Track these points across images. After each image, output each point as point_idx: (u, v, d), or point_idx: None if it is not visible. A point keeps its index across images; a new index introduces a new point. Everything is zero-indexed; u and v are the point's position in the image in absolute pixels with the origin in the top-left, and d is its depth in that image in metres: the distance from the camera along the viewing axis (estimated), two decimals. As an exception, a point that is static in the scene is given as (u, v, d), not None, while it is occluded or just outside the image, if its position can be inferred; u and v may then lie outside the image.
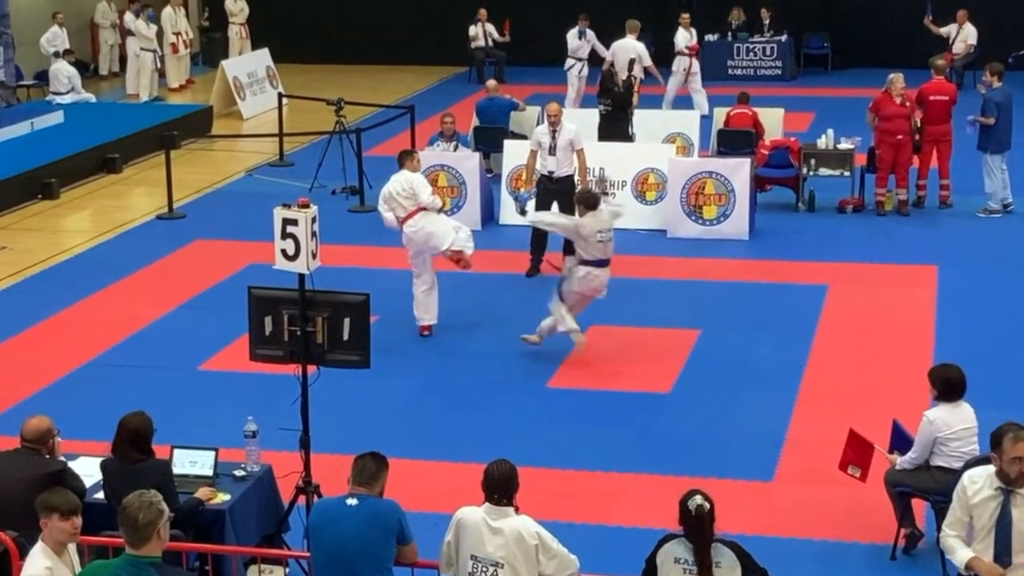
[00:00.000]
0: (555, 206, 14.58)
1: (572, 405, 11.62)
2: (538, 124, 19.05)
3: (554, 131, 14.66)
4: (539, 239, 14.83)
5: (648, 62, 21.22)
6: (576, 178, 14.73)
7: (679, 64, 22.60)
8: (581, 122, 16.41)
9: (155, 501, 6.21)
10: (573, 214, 14.78)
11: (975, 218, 16.92)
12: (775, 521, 9.54)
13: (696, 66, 22.69)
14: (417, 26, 28.97)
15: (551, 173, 14.69)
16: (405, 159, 13.20)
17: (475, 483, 7.12)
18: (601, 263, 12.30)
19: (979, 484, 7.14)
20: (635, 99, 18.83)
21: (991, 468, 7.12)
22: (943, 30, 25.20)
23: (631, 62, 20.19)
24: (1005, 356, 12.40)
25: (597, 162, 16.46)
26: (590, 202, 12.42)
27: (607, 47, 21.83)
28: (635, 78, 19.63)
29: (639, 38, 21.34)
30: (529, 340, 12.60)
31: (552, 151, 14.64)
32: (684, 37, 22.61)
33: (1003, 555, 7.07)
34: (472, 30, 26.85)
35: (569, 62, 22.75)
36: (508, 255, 15.52)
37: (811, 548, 9.22)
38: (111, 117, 22.26)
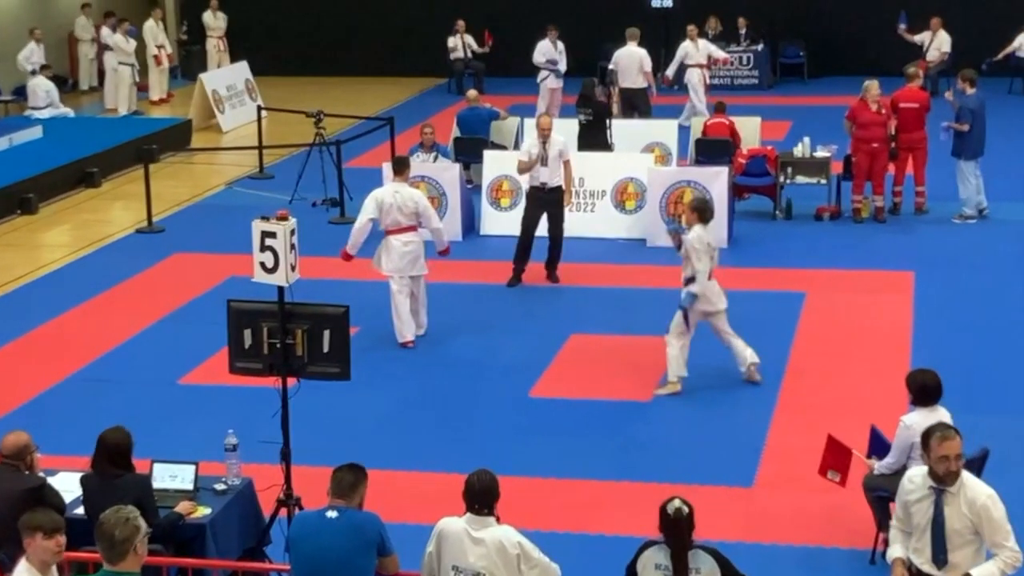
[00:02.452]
0: (545, 216, 14.65)
1: (553, 414, 11.61)
2: (518, 134, 19.11)
3: (544, 143, 14.68)
4: (525, 249, 14.83)
5: (649, 68, 21.27)
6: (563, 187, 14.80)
7: (690, 76, 22.44)
8: (560, 132, 16.42)
9: (131, 517, 6.18)
10: (562, 222, 14.82)
11: (951, 224, 16.97)
12: (755, 527, 9.54)
13: (701, 77, 22.49)
14: (396, 38, 28.97)
15: (544, 184, 14.70)
16: (404, 169, 13.21)
17: (456, 493, 7.11)
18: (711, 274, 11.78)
19: (915, 484, 7.23)
20: (614, 109, 18.85)
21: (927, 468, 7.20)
22: (917, 38, 25.29)
23: (612, 71, 20.29)
24: (981, 361, 12.43)
25: (577, 172, 16.44)
26: (709, 216, 11.80)
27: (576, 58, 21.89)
28: (614, 88, 19.66)
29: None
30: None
31: (544, 162, 14.66)
32: (693, 49, 22.48)
33: (939, 554, 7.14)
34: (451, 41, 26.86)
35: (543, 73, 22.82)
36: (489, 265, 15.51)
37: (791, 554, 9.22)
38: (90, 131, 22.20)
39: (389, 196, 12.98)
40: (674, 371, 11.83)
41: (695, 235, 11.66)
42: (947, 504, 7.08)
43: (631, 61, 21.11)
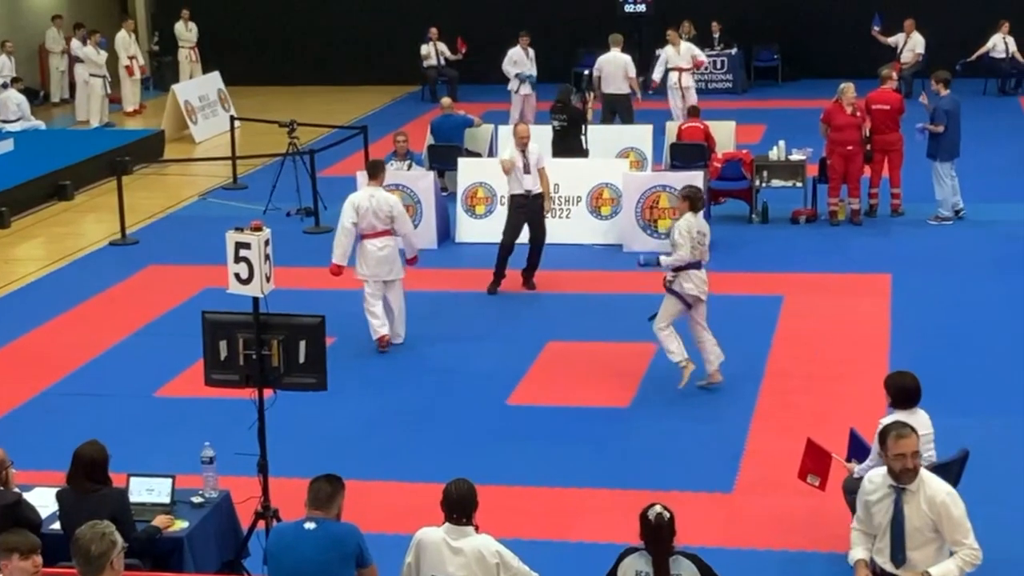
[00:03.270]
0: (527, 227, 14.63)
1: (531, 422, 11.60)
2: (492, 141, 19.10)
3: (524, 151, 14.69)
4: (507, 256, 14.80)
5: (633, 74, 21.29)
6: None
7: (671, 80, 22.35)
8: (534, 139, 16.42)
9: (107, 532, 6.15)
10: (544, 229, 14.80)
11: (927, 226, 17.03)
12: (735, 532, 9.54)
13: (688, 81, 22.39)
14: (369, 46, 28.95)
15: (528, 192, 14.68)
16: (379, 172, 13.25)
17: (435, 503, 7.10)
18: (701, 264, 11.87)
19: (875, 484, 7.31)
20: (589, 115, 18.87)
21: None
22: (891, 40, 25.39)
23: (589, 78, 20.29)
24: (960, 362, 12.47)
25: (553, 178, 16.45)
26: (699, 204, 11.93)
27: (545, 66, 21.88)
28: (589, 93, 19.66)
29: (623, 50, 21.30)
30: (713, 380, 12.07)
31: (527, 170, 14.66)
32: (673, 53, 22.41)
33: (897, 552, 7.21)
34: (424, 49, 26.85)
35: (513, 82, 22.83)
36: (465, 273, 15.51)
37: (772, 558, 9.23)
38: (62, 144, 22.12)
39: (365, 200, 13.02)
40: (678, 354, 11.87)
41: (683, 224, 11.71)
42: (907, 503, 7.16)
43: (615, 67, 21.13)
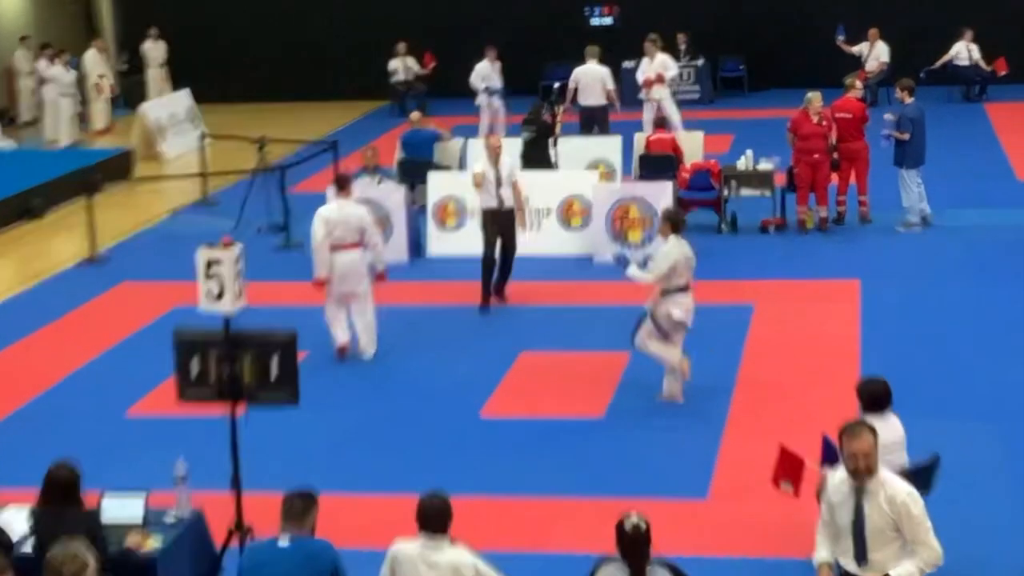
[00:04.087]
0: (499, 241, 14.52)
1: (504, 433, 11.56)
2: (463, 155, 19.06)
3: (496, 163, 14.63)
4: (491, 270, 14.72)
5: (612, 86, 21.28)
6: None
7: (646, 93, 22.21)
8: (506, 151, 16.40)
9: (80, 553, 6.07)
10: (515, 242, 14.72)
11: (894, 232, 17.07)
12: (710, 540, 9.52)
13: (658, 93, 21.92)
14: (338, 62, 28.90)
15: (502, 204, 14.57)
16: (347, 185, 13.27)
17: (409, 516, 7.05)
18: (688, 288, 11.80)
19: (836, 484, 7.35)
20: (558, 128, 18.86)
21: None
22: (855, 49, 25.49)
23: (564, 87, 20.31)
24: (930, 366, 12.50)
25: (523, 190, 16.46)
26: (681, 226, 11.92)
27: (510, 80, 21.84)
28: (559, 108, 19.65)
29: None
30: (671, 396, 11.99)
31: (500, 183, 14.57)
32: (647, 64, 22.22)
33: (860, 551, 7.24)
34: (392, 64, 26.81)
35: (481, 97, 22.81)
36: (436, 286, 15.47)
37: (747, 566, 9.21)
38: (31, 164, 21.98)
39: (334, 213, 13.00)
40: (673, 359, 11.79)
41: (670, 250, 11.64)
42: (867, 502, 7.19)
43: (592, 79, 21.11)
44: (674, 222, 11.88)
